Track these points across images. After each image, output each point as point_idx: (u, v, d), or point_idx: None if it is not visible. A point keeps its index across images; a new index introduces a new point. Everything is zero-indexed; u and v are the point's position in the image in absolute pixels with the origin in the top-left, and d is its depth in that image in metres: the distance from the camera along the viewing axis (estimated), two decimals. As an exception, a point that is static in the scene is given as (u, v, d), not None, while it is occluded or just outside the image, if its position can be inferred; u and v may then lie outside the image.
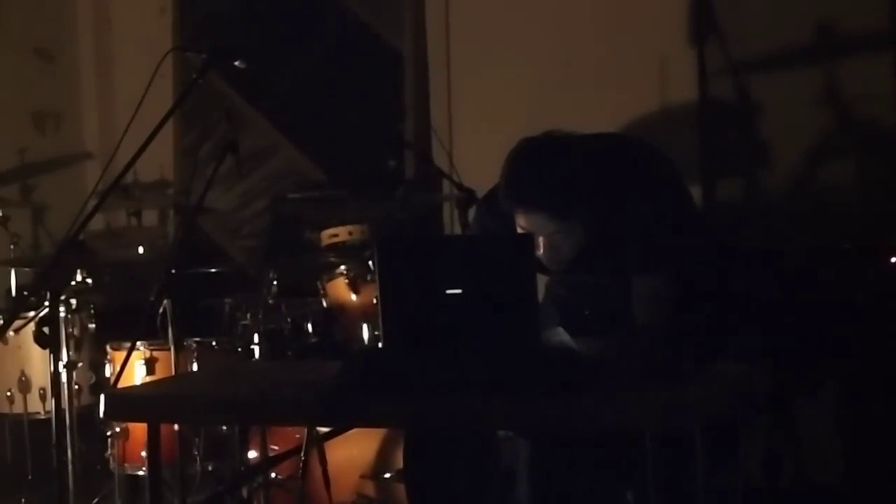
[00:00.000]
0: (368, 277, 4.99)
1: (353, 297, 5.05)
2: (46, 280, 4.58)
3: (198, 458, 5.08)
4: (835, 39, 5.42)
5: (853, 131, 5.45)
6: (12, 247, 5.88)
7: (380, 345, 3.33)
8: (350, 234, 5.36)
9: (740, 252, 4.96)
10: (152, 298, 4.61)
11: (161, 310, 4.70)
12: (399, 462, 4.46)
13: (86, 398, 5.39)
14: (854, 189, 5.41)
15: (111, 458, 5.16)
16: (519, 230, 3.63)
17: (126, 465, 5.13)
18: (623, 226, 3.66)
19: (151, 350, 5.10)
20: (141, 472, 5.10)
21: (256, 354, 5.09)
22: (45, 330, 4.35)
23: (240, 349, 5.15)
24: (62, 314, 4.99)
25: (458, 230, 4.95)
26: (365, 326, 4.99)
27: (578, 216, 3.62)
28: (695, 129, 5.66)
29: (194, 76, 4.38)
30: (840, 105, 5.39)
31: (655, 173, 3.78)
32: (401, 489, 4.45)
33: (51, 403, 4.76)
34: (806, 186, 5.52)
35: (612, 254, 3.70)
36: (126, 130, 4.22)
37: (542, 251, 3.62)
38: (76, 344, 5.23)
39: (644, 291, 3.65)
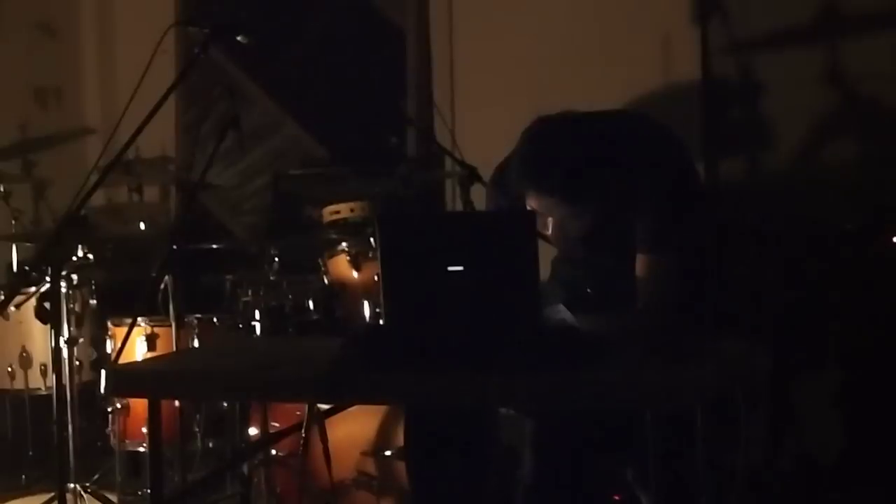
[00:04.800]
0: (370, 254, 4.98)
1: (355, 274, 5.04)
2: (47, 255, 4.56)
3: (198, 435, 5.10)
4: (839, 18, 5.40)
5: (857, 110, 5.43)
6: (13, 222, 5.89)
7: (381, 322, 3.32)
8: (352, 210, 5.36)
9: (743, 231, 4.97)
10: (153, 274, 4.62)
11: (162, 286, 4.72)
12: (400, 439, 4.46)
13: (87, 374, 5.40)
14: (857, 168, 5.40)
15: (112, 435, 5.18)
16: (528, 209, 3.62)
17: (127, 441, 5.15)
18: (632, 204, 3.65)
19: (152, 326, 5.11)
20: (141, 449, 5.11)
21: (258, 331, 5.10)
22: (46, 305, 4.35)
23: (241, 325, 5.15)
24: (63, 290, 4.99)
25: (460, 207, 4.94)
26: (366, 303, 4.99)
27: (590, 201, 3.62)
28: (697, 107, 5.64)
29: (196, 51, 4.37)
30: (844, 84, 5.37)
31: (670, 153, 3.77)
32: (401, 466, 4.45)
33: (51, 379, 4.77)
34: (808, 165, 5.51)
35: (617, 232, 3.69)
36: (127, 106, 4.21)
37: (550, 231, 3.62)
38: (77, 319, 5.24)
39: (648, 269, 3.65)
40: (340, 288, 5.11)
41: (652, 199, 3.63)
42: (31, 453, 5.54)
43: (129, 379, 3.61)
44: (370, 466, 4.50)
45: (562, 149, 3.57)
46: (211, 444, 5.15)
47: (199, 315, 5.18)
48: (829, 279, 4.95)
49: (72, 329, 5.12)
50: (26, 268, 5.26)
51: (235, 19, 4.78)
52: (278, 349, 4.05)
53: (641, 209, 3.64)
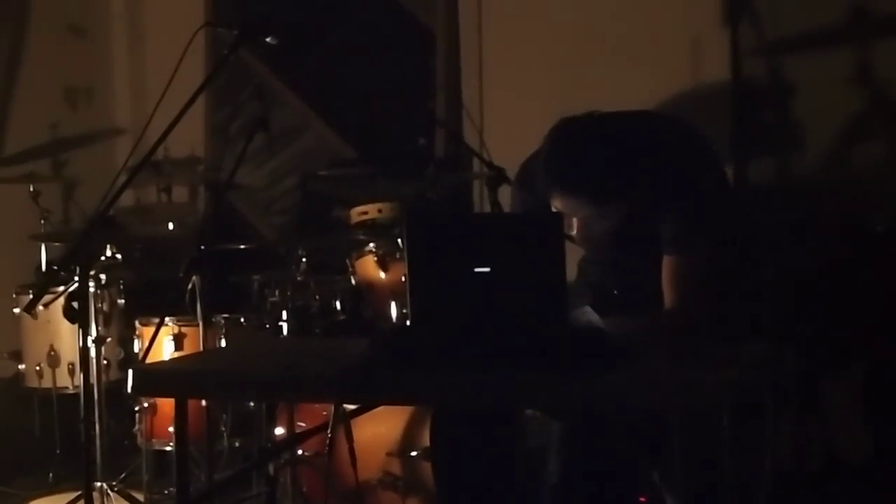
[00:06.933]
0: (397, 255, 4.98)
1: (382, 274, 5.04)
2: (76, 255, 4.57)
3: (225, 435, 5.11)
4: (869, 20, 5.38)
5: (886, 112, 5.41)
6: (43, 221, 5.91)
7: (408, 322, 3.32)
8: (380, 211, 5.36)
9: (772, 233, 4.95)
10: (181, 274, 4.61)
11: (190, 286, 4.70)
12: (426, 440, 4.46)
13: (114, 373, 5.42)
14: (886, 170, 5.38)
15: (139, 434, 5.19)
16: (553, 209, 3.62)
17: (153, 440, 5.16)
18: (659, 205, 3.65)
19: (180, 326, 5.11)
20: (168, 448, 5.12)
21: (284, 331, 5.10)
22: (75, 305, 4.35)
23: (268, 326, 5.16)
24: (92, 289, 5.00)
25: (487, 208, 4.93)
26: (393, 304, 4.98)
27: (614, 202, 3.62)
28: (727, 108, 5.63)
29: (226, 52, 4.38)
30: (873, 86, 5.36)
31: (694, 154, 3.76)
32: (427, 467, 4.44)
33: (79, 378, 4.77)
34: (838, 167, 5.49)
35: (642, 232, 3.68)
36: (157, 106, 4.21)
37: (575, 231, 3.62)
38: (105, 319, 5.26)
39: (674, 271, 3.64)
40: (368, 288, 5.11)
41: (676, 201, 3.62)
42: (58, 452, 5.56)
43: (156, 379, 3.61)
44: (396, 467, 4.49)
45: (586, 149, 3.56)
46: (237, 444, 5.16)
47: (226, 315, 5.19)
48: (858, 280, 4.93)
49: (100, 328, 5.14)
50: (55, 267, 5.28)
51: (265, 20, 4.79)
52: (305, 349, 4.05)
53: (666, 210, 3.63)
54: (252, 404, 5.01)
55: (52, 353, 5.43)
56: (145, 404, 5.11)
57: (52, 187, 6.31)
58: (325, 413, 4.49)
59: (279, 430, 4.76)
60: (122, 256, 5.23)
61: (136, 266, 5.65)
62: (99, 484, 5.00)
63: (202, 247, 4.48)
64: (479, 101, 6.21)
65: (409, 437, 4.51)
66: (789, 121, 5.57)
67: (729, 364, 3.16)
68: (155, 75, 6.72)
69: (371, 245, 5.10)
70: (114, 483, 5.13)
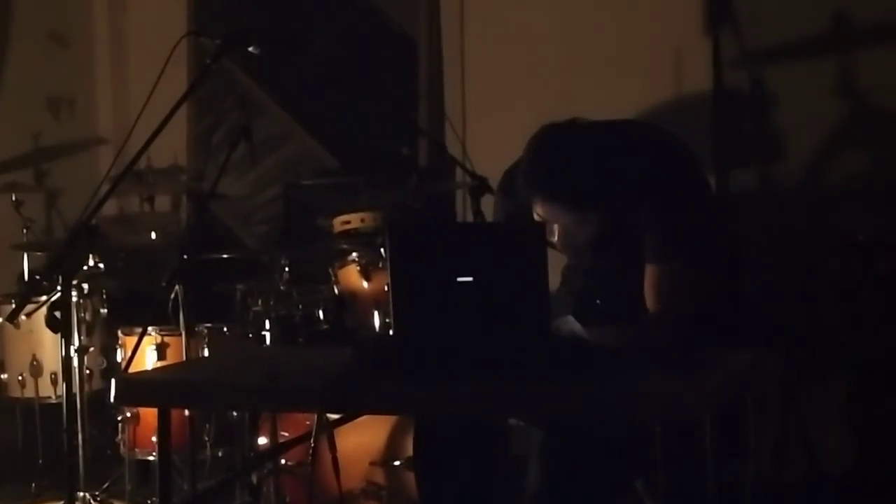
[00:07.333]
0: (380, 264, 4.99)
1: (365, 284, 5.05)
2: (59, 264, 4.57)
3: (208, 444, 5.10)
4: (850, 29, 5.40)
5: (868, 122, 5.43)
6: (25, 231, 5.89)
7: (391, 332, 3.32)
8: (362, 221, 5.36)
9: (754, 242, 4.96)
10: (164, 284, 4.62)
11: (173, 295, 4.71)
12: (409, 449, 4.46)
13: (97, 383, 5.40)
14: (868, 180, 5.39)
15: (121, 443, 5.18)
16: (535, 216, 3.63)
17: (136, 450, 5.14)
18: (640, 214, 3.66)
19: (162, 335, 5.11)
20: (151, 458, 5.11)
21: (267, 340, 5.10)
22: (57, 314, 4.35)
23: (251, 335, 5.15)
24: (74, 299, 5.00)
25: (470, 218, 4.93)
26: (376, 313, 4.99)
27: (595, 209, 3.63)
28: (709, 119, 5.64)
29: (208, 62, 4.38)
30: (855, 96, 5.37)
31: (677, 163, 3.77)
32: (410, 477, 4.45)
33: (62, 388, 4.77)
34: (820, 177, 5.50)
35: (624, 240, 3.69)
36: (139, 116, 4.21)
37: (556, 238, 3.63)
38: (88, 329, 5.24)
39: (656, 280, 3.65)
40: (350, 298, 5.11)
41: (659, 209, 3.63)
42: (41, 462, 5.54)
43: (139, 388, 3.61)
44: (379, 476, 4.50)
45: (568, 156, 3.58)
46: (220, 454, 5.14)
47: (209, 324, 5.18)
48: (840, 290, 4.95)
49: (82, 338, 5.12)
50: (37, 277, 5.26)
51: (247, 30, 4.79)
52: (288, 359, 4.05)
53: (648, 219, 3.64)
54: (235, 414, 5.01)
55: (35, 362, 5.41)
56: (128, 414, 5.10)
57: (34, 197, 6.30)
58: (308, 423, 4.48)
59: (262, 440, 4.76)
60: (105, 266, 5.22)
61: (118, 276, 5.64)
62: (82, 494, 4.98)
63: (185, 256, 4.48)
64: (461, 111, 6.21)
65: (391, 447, 4.51)
66: (771, 130, 5.58)
67: (711, 372, 3.17)
68: (137, 85, 6.73)
69: (354, 254, 5.11)
70: (96, 493, 5.12)
